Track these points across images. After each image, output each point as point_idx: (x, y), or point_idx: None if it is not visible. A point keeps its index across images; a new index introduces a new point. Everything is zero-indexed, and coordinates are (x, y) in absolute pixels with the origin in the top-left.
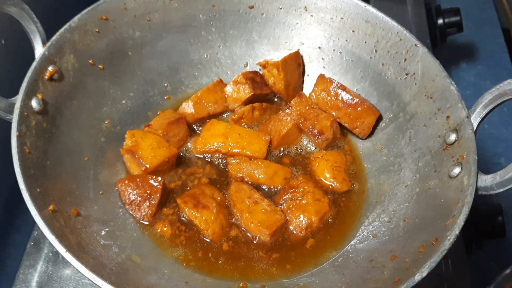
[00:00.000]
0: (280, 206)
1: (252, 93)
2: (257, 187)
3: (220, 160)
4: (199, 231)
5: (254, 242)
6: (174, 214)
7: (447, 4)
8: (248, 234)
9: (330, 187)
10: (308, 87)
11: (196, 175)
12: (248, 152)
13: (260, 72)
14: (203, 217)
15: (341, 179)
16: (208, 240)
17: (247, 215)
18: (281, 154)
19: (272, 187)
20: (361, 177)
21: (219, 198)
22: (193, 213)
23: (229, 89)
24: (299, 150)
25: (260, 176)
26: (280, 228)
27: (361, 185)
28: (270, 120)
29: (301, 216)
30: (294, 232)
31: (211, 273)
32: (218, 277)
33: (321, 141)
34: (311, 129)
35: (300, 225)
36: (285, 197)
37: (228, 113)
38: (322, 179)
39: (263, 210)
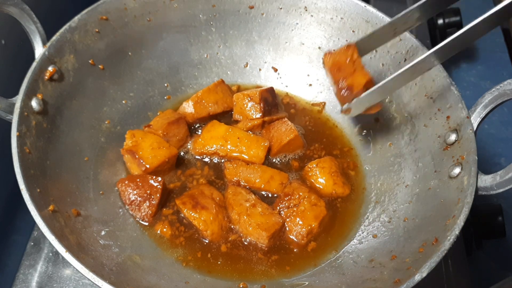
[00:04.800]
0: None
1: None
2: (253, 192)
3: (219, 162)
4: (198, 232)
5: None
6: (173, 214)
7: None
8: (247, 239)
9: (334, 192)
10: (307, 86)
11: (194, 177)
12: (246, 157)
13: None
14: (202, 218)
15: (341, 184)
16: (207, 241)
17: (245, 217)
18: (279, 161)
19: (268, 193)
20: (360, 177)
21: (218, 198)
22: (192, 214)
23: (240, 98)
24: (298, 158)
25: (256, 181)
26: (278, 231)
27: (360, 186)
28: (274, 126)
29: (301, 223)
30: (296, 240)
31: (211, 273)
32: (217, 277)
33: (345, 97)
34: (341, 81)
35: (301, 233)
36: (281, 205)
37: (232, 112)
38: (323, 187)
39: (261, 213)
